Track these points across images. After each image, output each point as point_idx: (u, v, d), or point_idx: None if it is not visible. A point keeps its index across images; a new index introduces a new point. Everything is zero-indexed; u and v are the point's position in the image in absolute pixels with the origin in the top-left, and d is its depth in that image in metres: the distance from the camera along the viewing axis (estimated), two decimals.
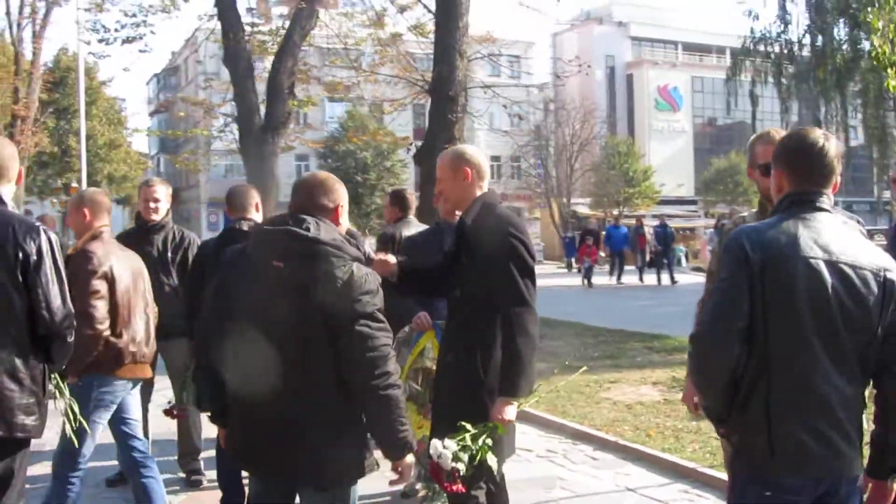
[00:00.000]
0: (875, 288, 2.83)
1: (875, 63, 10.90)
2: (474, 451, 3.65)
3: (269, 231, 3.43)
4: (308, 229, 3.23)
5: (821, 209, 2.93)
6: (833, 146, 2.96)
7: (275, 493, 3.45)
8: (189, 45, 45.72)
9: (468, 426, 3.72)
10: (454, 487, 3.60)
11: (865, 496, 3.00)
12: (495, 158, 58.39)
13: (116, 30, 17.71)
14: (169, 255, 6.25)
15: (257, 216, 5.31)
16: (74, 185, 32.94)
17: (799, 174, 2.97)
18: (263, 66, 17.70)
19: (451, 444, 3.62)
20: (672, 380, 9.96)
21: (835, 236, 2.88)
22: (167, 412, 5.60)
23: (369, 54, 19.18)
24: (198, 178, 51.44)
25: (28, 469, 6.23)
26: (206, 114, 19.87)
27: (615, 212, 48.65)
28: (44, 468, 6.88)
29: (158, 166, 62.62)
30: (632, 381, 10.27)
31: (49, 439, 7.71)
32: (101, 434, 8.09)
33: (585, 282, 28.14)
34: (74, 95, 47.55)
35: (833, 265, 2.81)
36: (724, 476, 5.16)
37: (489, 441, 3.73)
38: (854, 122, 36.70)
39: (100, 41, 18.39)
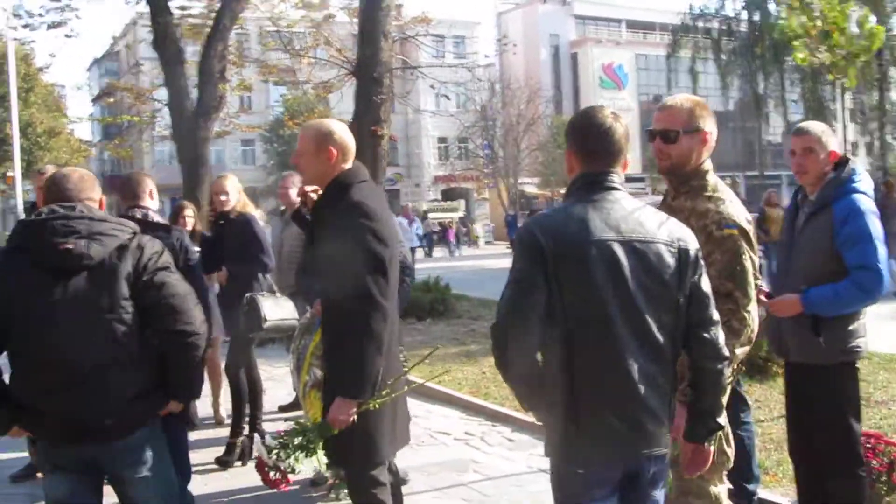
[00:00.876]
0: (670, 260, 2.84)
1: (780, 36, 11.08)
2: (297, 448, 3.65)
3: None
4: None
5: (611, 188, 2.91)
6: (621, 125, 2.96)
7: None
8: (128, 30, 45.03)
9: (301, 423, 3.80)
10: (271, 481, 3.75)
11: (683, 462, 3.08)
12: (442, 140, 58.41)
13: (41, 14, 17.36)
14: None
15: (152, 203, 5.21)
16: (10, 174, 32.29)
17: (588, 155, 2.96)
18: (194, 51, 17.44)
19: (272, 441, 3.70)
20: None
21: (625, 215, 2.87)
22: None
23: (302, 36, 18.97)
24: (143, 165, 50.77)
25: None
26: (136, 100, 19.54)
27: (562, 191, 48.81)
28: None
29: (102, 154, 61.57)
30: None
31: None
32: None
33: None
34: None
35: (626, 244, 2.81)
36: None
37: (316, 439, 3.66)
38: (793, 97, 37.20)
39: (24, 26, 17.99)
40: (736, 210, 3.53)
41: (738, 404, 4.83)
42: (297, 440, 3.67)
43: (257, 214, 6.91)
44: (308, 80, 17.85)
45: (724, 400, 3.04)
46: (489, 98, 51.55)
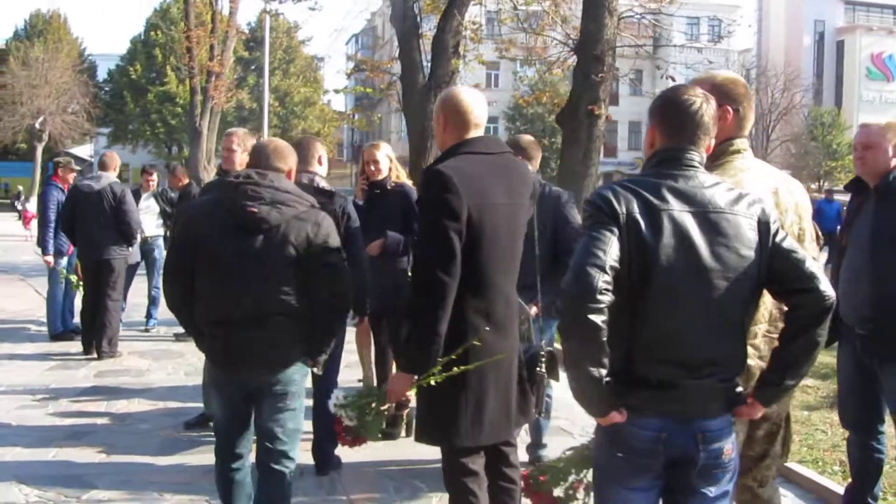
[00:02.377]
0: (750, 234, 2.69)
1: None
2: (362, 409, 3.72)
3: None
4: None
5: (690, 166, 2.76)
6: (710, 107, 2.81)
7: None
8: (385, 5, 46.52)
9: (369, 386, 3.92)
10: (342, 438, 3.86)
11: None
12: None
13: None
14: None
15: (320, 169, 5.20)
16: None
17: (670, 130, 2.81)
18: (429, 27, 17.62)
19: (342, 400, 3.77)
20: None
21: (700, 188, 2.72)
22: None
23: (539, 15, 18.71)
24: (389, 137, 52.61)
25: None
26: (371, 73, 20.04)
27: (813, 186, 46.15)
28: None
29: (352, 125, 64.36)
30: None
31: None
32: (174, 376, 8.37)
33: None
34: (274, 54, 49.73)
35: (699, 215, 2.67)
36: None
37: (375, 406, 3.70)
38: None
39: None
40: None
41: (873, 410, 4.44)
42: (362, 402, 3.73)
43: None
44: (530, 56, 17.54)
45: (811, 361, 2.77)
46: None
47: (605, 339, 2.51)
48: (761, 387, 2.80)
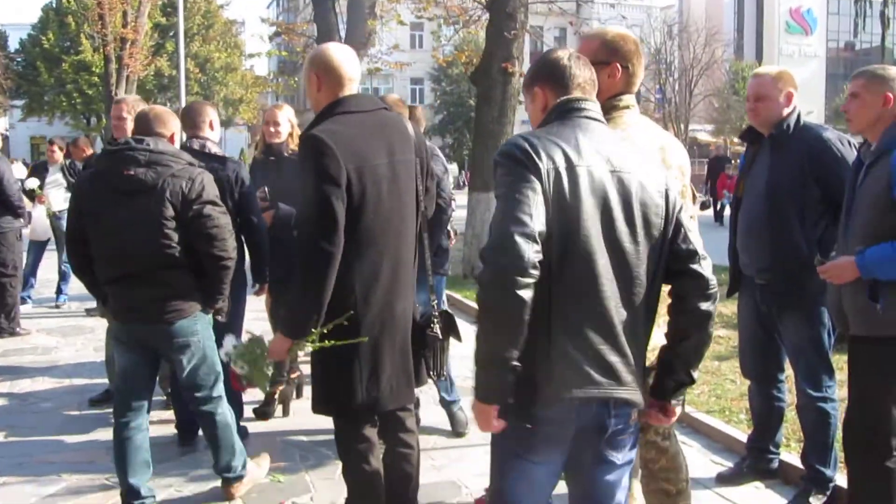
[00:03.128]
0: (658, 199, 2.58)
1: None
2: (250, 359, 3.73)
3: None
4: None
5: (593, 118, 2.64)
6: (583, 61, 2.75)
7: None
8: None
9: (258, 339, 3.81)
10: (236, 385, 3.89)
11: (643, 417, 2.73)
12: None
13: None
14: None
15: (212, 134, 5.03)
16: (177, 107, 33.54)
17: (561, 84, 2.70)
18: None
19: (231, 350, 3.78)
20: None
21: (614, 147, 2.60)
22: None
23: None
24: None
25: None
26: (286, 35, 19.73)
27: (736, 139, 46.83)
28: None
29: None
30: None
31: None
32: (82, 352, 8.15)
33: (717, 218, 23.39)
34: (192, 20, 48.57)
35: (614, 174, 2.53)
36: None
37: (262, 357, 3.71)
38: None
39: None
40: None
41: (822, 374, 4.35)
42: (250, 355, 3.73)
43: None
44: (448, 15, 17.35)
45: (703, 353, 2.73)
46: (662, 41, 49.71)
47: (528, 317, 2.32)
48: (673, 388, 2.72)
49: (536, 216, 2.35)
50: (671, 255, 2.61)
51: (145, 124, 4.39)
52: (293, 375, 6.09)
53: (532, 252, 2.30)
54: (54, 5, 51.02)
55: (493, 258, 2.32)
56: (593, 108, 2.67)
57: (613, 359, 2.48)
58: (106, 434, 5.57)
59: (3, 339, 8.59)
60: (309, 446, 5.39)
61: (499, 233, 2.34)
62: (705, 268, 2.63)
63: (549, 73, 2.73)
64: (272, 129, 5.86)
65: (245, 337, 3.86)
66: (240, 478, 4.59)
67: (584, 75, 2.72)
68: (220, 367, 4.41)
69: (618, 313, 2.49)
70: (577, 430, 2.51)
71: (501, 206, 2.41)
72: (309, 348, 3.43)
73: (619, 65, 3.18)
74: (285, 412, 6.00)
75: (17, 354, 8.00)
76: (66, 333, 8.92)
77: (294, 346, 3.48)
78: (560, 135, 2.54)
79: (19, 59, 53.17)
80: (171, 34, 45.76)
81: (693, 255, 2.62)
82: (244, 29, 52.13)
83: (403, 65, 19.96)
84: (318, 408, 3.61)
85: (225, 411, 4.49)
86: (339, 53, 3.54)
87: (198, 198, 4.14)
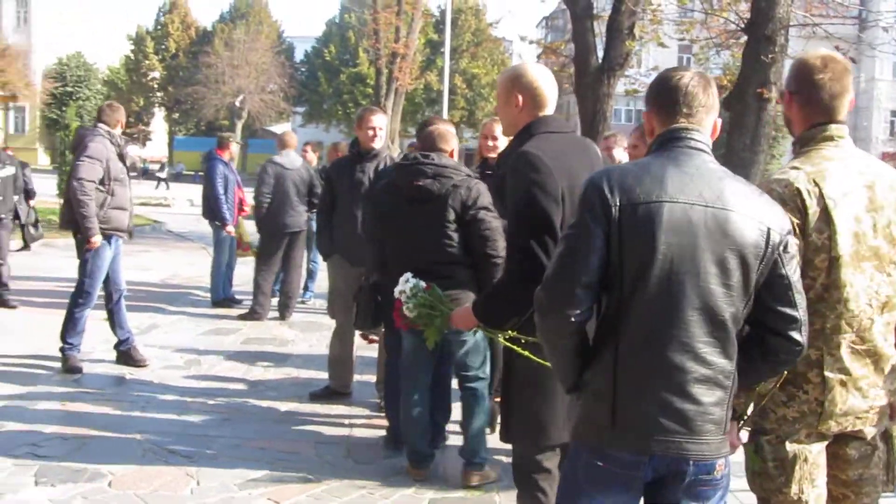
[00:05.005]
0: (758, 239, 2.38)
1: None
2: (424, 306, 3.78)
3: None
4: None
5: (696, 149, 2.47)
6: (702, 82, 2.55)
7: None
8: None
9: (439, 293, 3.86)
10: (398, 320, 3.98)
11: None
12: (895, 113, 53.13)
13: None
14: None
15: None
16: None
17: (667, 111, 2.54)
18: (601, 6, 17.20)
19: (407, 289, 3.82)
20: None
21: (710, 180, 2.42)
22: (363, 337, 6.03)
23: None
24: (566, 115, 52.04)
25: None
26: (544, 54, 19.78)
27: None
28: None
29: None
30: None
31: None
32: (315, 347, 8.46)
33: None
34: (462, 36, 50.17)
35: (710, 210, 2.37)
36: None
37: (442, 314, 3.75)
38: None
39: None
40: None
41: None
42: (426, 303, 3.79)
43: None
44: (710, 37, 16.75)
45: None
46: None
47: (580, 322, 2.39)
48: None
49: (586, 268, 2.36)
50: (771, 314, 2.47)
51: (430, 141, 5.05)
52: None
53: (576, 301, 2.36)
54: (337, 20, 54.36)
55: (543, 304, 2.44)
56: (698, 137, 2.50)
57: (687, 406, 2.34)
58: (317, 429, 5.89)
59: (253, 326, 9.27)
60: (507, 467, 5.31)
61: (549, 278, 2.42)
62: (803, 334, 2.49)
63: (655, 98, 2.59)
64: (489, 143, 5.92)
65: (423, 284, 3.88)
66: (480, 465, 4.99)
67: (697, 102, 2.53)
68: (488, 352, 5.02)
69: (696, 358, 2.34)
70: (653, 477, 2.39)
71: (558, 251, 2.44)
72: (500, 340, 3.40)
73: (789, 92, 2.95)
74: (492, 428, 5.92)
75: (258, 343, 8.55)
76: (305, 329, 9.42)
77: (484, 331, 3.55)
78: (648, 167, 2.44)
79: (303, 70, 57.14)
80: (442, 50, 47.60)
81: (794, 322, 2.47)
82: (512, 47, 52.97)
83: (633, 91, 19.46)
84: (511, 439, 3.53)
85: (485, 391, 5.03)
86: (542, 75, 3.53)
87: (474, 204, 4.79)
